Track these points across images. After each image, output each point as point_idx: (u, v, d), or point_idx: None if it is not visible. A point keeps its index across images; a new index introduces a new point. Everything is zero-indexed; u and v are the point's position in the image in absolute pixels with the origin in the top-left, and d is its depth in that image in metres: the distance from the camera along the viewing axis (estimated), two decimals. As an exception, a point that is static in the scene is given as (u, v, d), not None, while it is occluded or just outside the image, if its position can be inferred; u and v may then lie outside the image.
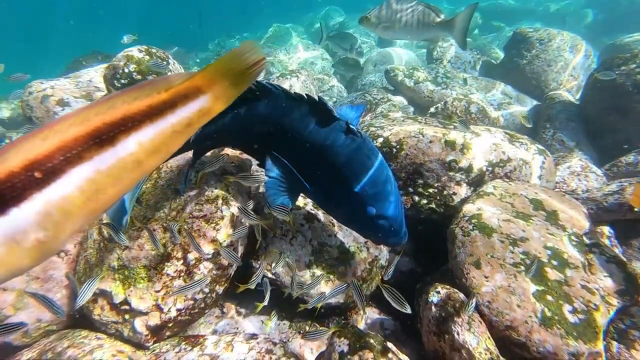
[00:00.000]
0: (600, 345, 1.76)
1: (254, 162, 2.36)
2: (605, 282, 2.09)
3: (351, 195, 1.80)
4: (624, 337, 1.88)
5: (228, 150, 2.37)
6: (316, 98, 1.81)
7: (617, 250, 2.50)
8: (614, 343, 1.89)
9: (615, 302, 2.01)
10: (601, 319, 1.84)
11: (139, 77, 3.22)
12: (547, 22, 10.22)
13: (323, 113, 1.80)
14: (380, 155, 1.90)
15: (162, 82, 0.63)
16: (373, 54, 6.78)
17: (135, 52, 3.33)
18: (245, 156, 2.41)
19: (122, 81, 3.24)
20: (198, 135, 1.90)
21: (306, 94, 1.81)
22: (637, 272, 2.15)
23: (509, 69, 5.27)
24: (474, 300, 1.75)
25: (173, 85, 0.63)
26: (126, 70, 3.22)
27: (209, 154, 2.26)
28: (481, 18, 11.08)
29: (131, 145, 0.57)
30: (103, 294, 1.88)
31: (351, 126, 1.79)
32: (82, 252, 2.11)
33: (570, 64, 4.97)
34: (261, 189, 2.47)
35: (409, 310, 1.67)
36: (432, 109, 4.05)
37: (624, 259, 2.26)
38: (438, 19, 3.02)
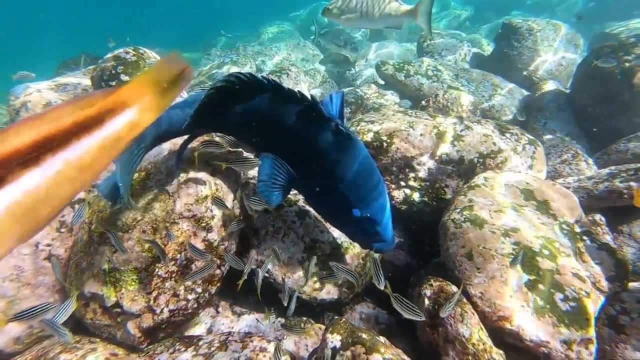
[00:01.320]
0: (591, 332, 1.77)
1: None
2: (596, 269, 2.10)
3: (336, 196, 1.80)
4: (614, 323, 1.90)
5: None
6: (309, 96, 1.79)
7: (608, 237, 2.52)
8: (605, 329, 1.90)
9: (606, 288, 2.03)
10: (592, 305, 1.85)
11: (127, 78, 3.19)
12: (537, 12, 10.23)
13: (314, 112, 1.79)
14: (369, 158, 1.89)
15: (87, 99, 0.63)
16: (364, 49, 6.77)
17: (122, 53, 3.30)
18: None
19: (110, 83, 3.21)
20: (192, 122, 1.89)
21: (299, 92, 1.80)
22: (626, 258, 2.16)
23: (499, 60, 5.28)
24: (455, 298, 1.74)
25: (98, 100, 0.63)
26: (113, 72, 3.19)
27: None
28: (472, 10, 11.07)
29: (59, 164, 0.57)
30: (95, 297, 1.87)
31: (340, 127, 1.78)
32: (73, 256, 2.10)
33: (560, 54, 4.98)
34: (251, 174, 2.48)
35: (423, 318, 1.66)
36: (423, 102, 4.05)
37: (614, 246, 2.27)
38: (400, 7, 3.03)
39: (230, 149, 2.28)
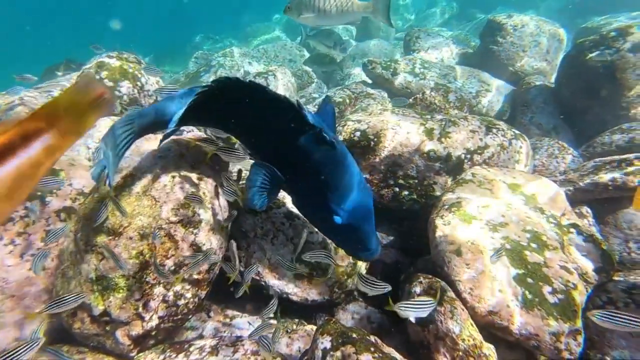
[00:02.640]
0: (579, 323, 1.79)
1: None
2: (583, 260, 2.12)
3: (319, 202, 1.79)
4: (601, 314, 1.92)
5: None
6: (294, 102, 1.76)
7: (595, 229, 2.55)
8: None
9: (592, 279, 2.05)
10: (579, 297, 1.88)
11: (111, 83, 3.16)
12: (521, 8, 10.32)
13: (297, 118, 1.77)
14: (353, 166, 1.89)
15: None
16: (351, 48, 6.78)
17: (106, 59, 3.27)
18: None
19: (94, 88, 3.17)
20: (179, 121, 1.88)
21: (284, 97, 1.77)
22: (612, 249, 2.19)
23: (485, 56, 5.33)
24: (422, 301, 1.71)
25: (9, 128, 0.61)
26: (97, 77, 3.16)
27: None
28: (458, 7, 11.16)
29: None
30: (82, 306, 1.84)
31: (324, 134, 1.75)
32: (60, 265, 2.07)
33: (544, 48, 5.04)
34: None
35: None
36: (410, 100, 4.06)
37: (600, 238, 2.30)
38: (357, 3, 3.09)
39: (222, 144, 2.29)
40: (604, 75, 3.59)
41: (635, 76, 3.49)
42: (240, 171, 2.59)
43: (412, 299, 1.68)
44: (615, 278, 2.08)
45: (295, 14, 3.15)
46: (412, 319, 1.73)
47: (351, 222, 1.78)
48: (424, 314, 1.64)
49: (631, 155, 2.69)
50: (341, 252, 2.27)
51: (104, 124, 3.13)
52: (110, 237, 1.91)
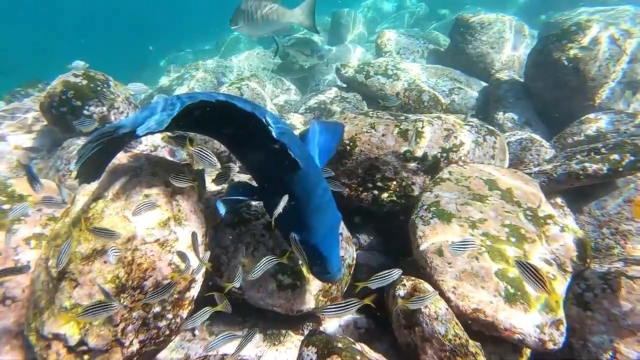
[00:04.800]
0: (560, 313, 1.82)
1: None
2: (560, 251, 2.16)
3: (284, 215, 1.78)
4: (581, 301, 1.96)
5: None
6: (261, 118, 1.75)
7: (571, 218, 2.61)
8: (574, 307, 1.96)
9: (570, 268, 2.09)
10: (560, 287, 1.91)
11: (78, 102, 3.07)
12: (488, 6, 10.56)
13: (264, 134, 1.77)
14: (320, 184, 1.89)
15: None
16: (326, 54, 6.80)
17: (71, 77, 3.18)
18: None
19: (61, 109, 3.08)
20: (172, 124, 1.86)
21: (252, 113, 1.75)
22: (587, 237, 2.24)
23: (456, 54, 5.42)
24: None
25: None
26: (64, 97, 3.06)
27: None
28: (427, 7, 11.34)
29: None
30: (57, 337, 1.76)
31: (288, 152, 1.74)
32: (31, 295, 1.98)
33: (512, 44, 5.17)
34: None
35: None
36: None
37: (576, 227, 2.35)
38: (281, 10, 3.22)
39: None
40: (569, 68, 3.70)
41: (597, 68, 3.61)
42: (227, 169, 2.56)
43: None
44: (592, 266, 2.12)
45: (234, 24, 3.30)
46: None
47: (307, 240, 1.77)
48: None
49: (599, 144, 2.77)
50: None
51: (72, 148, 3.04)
52: (84, 263, 1.85)
